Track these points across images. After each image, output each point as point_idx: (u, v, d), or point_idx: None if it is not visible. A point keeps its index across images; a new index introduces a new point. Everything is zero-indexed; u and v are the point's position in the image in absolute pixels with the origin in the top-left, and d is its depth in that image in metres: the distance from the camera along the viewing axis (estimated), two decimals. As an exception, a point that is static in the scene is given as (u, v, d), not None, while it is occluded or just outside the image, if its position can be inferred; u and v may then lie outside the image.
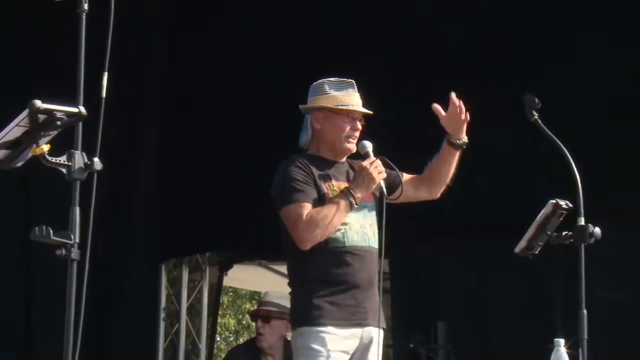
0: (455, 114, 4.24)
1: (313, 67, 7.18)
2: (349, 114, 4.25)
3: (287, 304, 6.80)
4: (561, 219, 4.12)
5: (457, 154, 4.32)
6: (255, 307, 6.87)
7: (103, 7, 2.89)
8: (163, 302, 8.12)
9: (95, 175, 2.90)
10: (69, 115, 2.78)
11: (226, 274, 8.61)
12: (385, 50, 6.96)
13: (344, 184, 4.20)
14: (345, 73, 4.39)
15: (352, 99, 4.27)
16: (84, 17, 2.80)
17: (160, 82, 8.11)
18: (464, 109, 4.23)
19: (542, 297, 6.21)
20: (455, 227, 6.48)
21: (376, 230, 4.25)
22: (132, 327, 7.97)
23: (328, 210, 4.10)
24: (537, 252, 4.19)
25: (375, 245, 4.23)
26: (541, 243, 4.16)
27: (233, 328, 18.28)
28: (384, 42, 7.02)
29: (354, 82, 4.31)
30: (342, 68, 4.56)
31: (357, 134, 4.26)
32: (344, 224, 4.14)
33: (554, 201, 4.09)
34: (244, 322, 17.49)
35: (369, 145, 4.24)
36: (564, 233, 4.06)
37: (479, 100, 4.49)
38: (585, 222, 3.97)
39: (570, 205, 4.08)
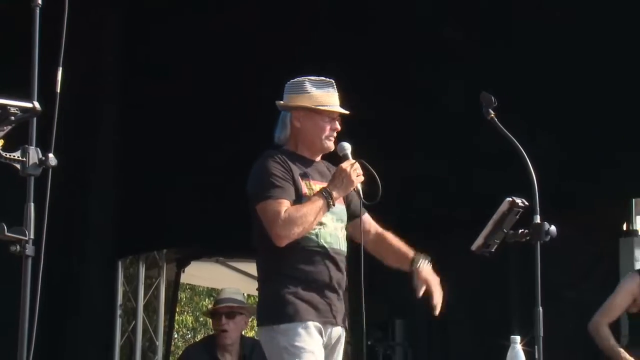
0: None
1: (276, 66, 7.21)
2: (329, 114, 4.24)
3: (243, 299, 6.82)
4: (517, 216, 4.13)
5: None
6: (212, 305, 6.83)
7: (58, 1, 2.87)
8: (120, 299, 8.09)
9: (50, 171, 2.87)
10: (23, 110, 2.75)
11: (183, 271, 8.59)
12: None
13: (320, 184, 4.19)
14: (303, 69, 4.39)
15: (332, 98, 4.26)
16: (38, 11, 2.78)
17: (118, 78, 8.07)
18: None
19: (499, 295, 6.24)
20: (414, 224, 6.50)
21: (344, 234, 4.25)
22: (89, 325, 7.91)
23: (307, 209, 4.09)
24: (493, 250, 4.21)
25: (345, 248, 4.24)
26: (498, 241, 4.17)
27: (190, 325, 18.23)
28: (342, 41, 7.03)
29: (333, 81, 4.30)
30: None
31: (335, 133, 4.26)
32: (320, 224, 4.14)
33: (510, 199, 4.11)
34: (202, 319, 17.45)
35: (347, 147, 4.23)
36: (520, 231, 4.07)
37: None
38: (541, 219, 3.99)
39: (526, 203, 4.10)
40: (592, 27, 6.04)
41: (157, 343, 8.27)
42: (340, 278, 4.19)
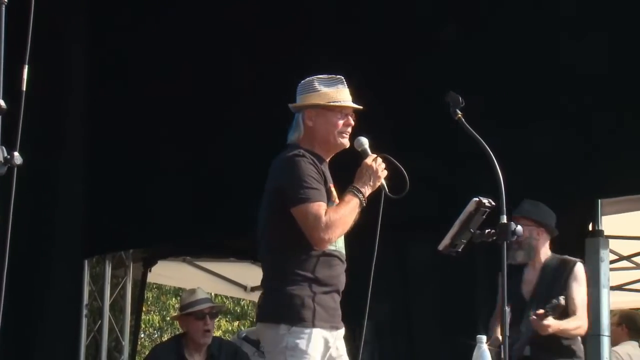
0: None
1: (250, 62, 7.21)
2: (341, 110, 4.24)
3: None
4: (484, 216, 4.15)
5: None
6: (182, 305, 6.80)
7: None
8: (85, 299, 8.04)
9: (16, 170, 2.85)
10: (-12, 108, 2.73)
11: (150, 270, 8.56)
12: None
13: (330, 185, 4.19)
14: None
15: (342, 94, 4.27)
16: (3, 8, 2.75)
17: (84, 77, 8.02)
18: None
19: (465, 294, 6.26)
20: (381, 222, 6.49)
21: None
22: (54, 324, 7.87)
23: (344, 209, 4.10)
24: (460, 250, 4.22)
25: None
26: (464, 240, 4.19)
27: (157, 324, 18.17)
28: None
29: (342, 78, 4.30)
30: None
31: (350, 129, 4.26)
32: None
33: (477, 199, 4.13)
34: (168, 318, 17.40)
35: (365, 142, 4.26)
36: (486, 231, 4.09)
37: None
38: (507, 220, 4.01)
39: (493, 203, 4.11)
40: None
41: (123, 343, 8.23)
42: (344, 281, 4.23)
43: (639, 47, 5.88)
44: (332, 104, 4.24)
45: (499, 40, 6.30)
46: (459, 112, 4.22)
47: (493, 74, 6.25)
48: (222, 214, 7.32)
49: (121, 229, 7.85)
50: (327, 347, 4.15)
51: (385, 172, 4.17)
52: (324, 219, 4.06)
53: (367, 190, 4.15)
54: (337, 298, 4.18)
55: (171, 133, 7.58)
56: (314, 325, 4.11)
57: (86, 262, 8.08)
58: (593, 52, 5.96)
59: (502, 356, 3.92)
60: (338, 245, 4.20)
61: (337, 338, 4.19)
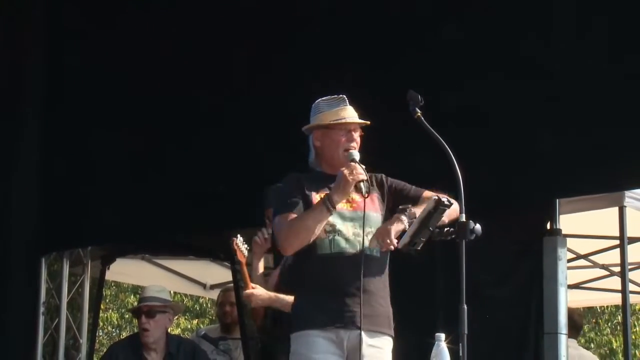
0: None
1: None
2: (343, 127, 4.46)
3: (167, 297, 6.80)
4: (443, 215, 4.16)
5: None
6: (136, 303, 6.79)
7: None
8: (43, 297, 7.98)
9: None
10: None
11: (109, 268, 8.51)
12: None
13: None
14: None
15: (344, 112, 4.49)
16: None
17: (42, 72, 7.97)
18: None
19: (424, 292, 6.27)
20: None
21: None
22: (11, 322, 7.81)
23: (306, 215, 4.32)
24: (419, 248, 4.23)
25: (373, 252, 4.36)
26: (424, 239, 4.21)
27: (116, 322, 18.07)
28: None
29: (344, 96, 4.52)
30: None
31: (355, 144, 4.46)
32: (334, 231, 4.33)
33: (436, 197, 4.14)
34: (127, 316, 17.31)
35: (352, 154, 4.41)
36: (445, 229, 4.11)
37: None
38: (466, 218, 4.02)
39: (452, 201, 4.13)
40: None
41: (81, 341, 8.18)
42: (360, 282, 4.28)
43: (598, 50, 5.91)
44: (333, 122, 4.47)
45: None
46: (418, 111, 4.25)
47: (457, 73, 6.27)
48: (181, 211, 7.29)
49: (78, 226, 7.80)
50: (338, 346, 4.27)
51: (358, 177, 4.29)
52: (284, 227, 4.34)
53: (337, 196, 4.28)
54: (346, 299, 4.27)
55: (129, 129, 7.54)
56: (308, 328, 4.30)
57: (43, 259, 8.01)
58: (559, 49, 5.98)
59: (461, 354, 3.94)
60: (339, 246, 4.34)
61: (352, 340, 4.27)
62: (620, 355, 16.41)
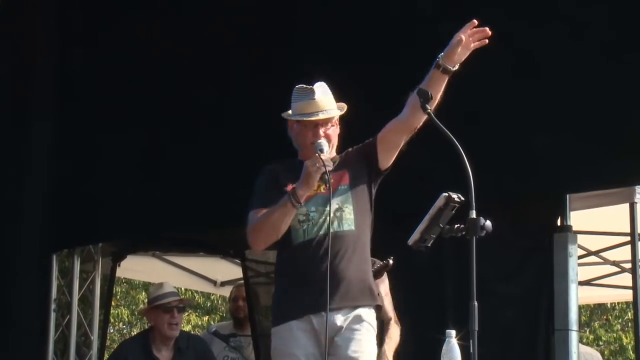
0: (467, 40, 4.26)
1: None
2: (307, 124, 4.42)
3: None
4: (453, 211, 4.16)
5: (446, 79, 4.33)
6: (150, 299, 6.79)
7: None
8: (54, 293, 8.00)
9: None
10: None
11: (119, 265, 8.53)
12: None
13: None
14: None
15: (310, 106, 4.42)
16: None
17: (52, 73, 7.98)
18: (488, 34, 4.26)
19: (434, 289, 6.27)
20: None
21: (344, 214, 4.37)
22: (23, 319, 7.83)
23: (270, 210, 4.31)
24: (429, 245, 4.23)
25: (344, 227, 4.36)
26: (434, 235, 4.20)
27: (126, 319, 18.12)
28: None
29: (314, 88, 4.45)
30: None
31: (322, 138, 4.41)
32: (307, 220, 4.32)
33: (447, 194, 4.14)
34: (137, 313, 17.35)
35: (322, 145, 4.38)
36: (456, 226, 4.10)
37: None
38: (476, 215, 4.02)
39: (462, 198, 4.12)
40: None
41: (92, 337, 8.20)
42: (336, 263, 4.27)
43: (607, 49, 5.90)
44: (295, 118, 4.45)
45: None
46: (428, 107, 4.24)
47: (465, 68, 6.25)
48: (192, 208, 7.30)
49: (89, 223, 7.81)
50: (310, 332, 4.26)
51: (322, 169, 4.25)
52: (250, 224, 4.37)
53: (301, 190, 4.27)
54: (322, 283, 4.20)
55: (139, 126, 7.55)
56: (285, 320, 4.31)
57: (54, 256, 8.04)
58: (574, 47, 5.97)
59: (471, 350, 3.94)
60: (311, 233, 4.32)
61: (335, 321, 4.25)
62: (630, 352, 16.39)
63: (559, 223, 6.06)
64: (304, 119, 4.42)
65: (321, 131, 4.42)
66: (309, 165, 4.26)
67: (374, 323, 4.42)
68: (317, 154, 4.30)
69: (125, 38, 7.68)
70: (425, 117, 4.28)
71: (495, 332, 5.46)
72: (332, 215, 4.31)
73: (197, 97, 7.29)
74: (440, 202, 4.15)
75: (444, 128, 4.16)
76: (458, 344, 3.96)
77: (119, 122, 7.62)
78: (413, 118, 4.35)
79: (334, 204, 4.34)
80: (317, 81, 4.54)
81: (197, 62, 7.34)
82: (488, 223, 4.03)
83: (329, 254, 4.24)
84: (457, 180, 4.04)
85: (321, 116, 4.42)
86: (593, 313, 17.73)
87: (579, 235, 6.20)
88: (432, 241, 4.21)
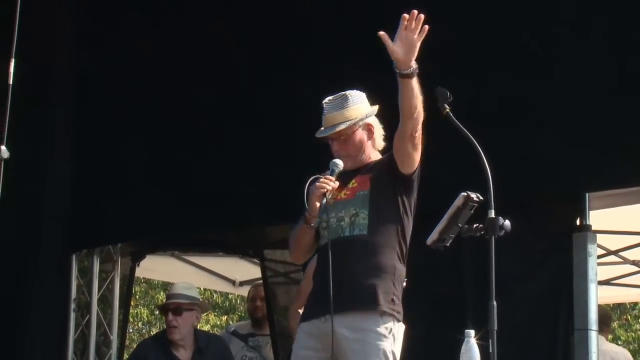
0: (404, 37, 4.19)
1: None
2: (322, 139, 4.57)
3: (195, 294, 6.82)
4: (472, 211, 4.16)
5: (413, 82, 4.25)
6: (164, 300, 6.82)
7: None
8: (74, 293, 8.03)
9: (3, 163, 2.85)
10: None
11: (138, 265, 8.54)
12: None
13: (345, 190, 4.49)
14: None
15: (324, 122, 4.53)
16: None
17: (74, 68, 8.01)
18: (418, 26, 4.17)
19: (453, 289, 6.26)
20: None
21: (358, 219, 4.41)
22: (42, 319, 7.85)
23: (292, 230, 4.61)
24: (448, 244, 4.23)
25: (354, 232, 4.40)
26: (453, 235, 4.20)
27: (146, 319, 18.15)
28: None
29: (326, 101, 4.53)
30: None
31: (338, 153, 4.51)
32: (326, 227, 4.41)
33: (465, 194, 4.13)
34: (157, 312, 17.38)
35: (332, 165, 4.47)
36: (474, 225, 4.10)
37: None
38: (495, 214, 4.02)
39: (481, 197, 4.12)
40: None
41: (112, 337, 8.22)
42: (344, 266, 4.30)
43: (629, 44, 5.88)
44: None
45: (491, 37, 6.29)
46: (447, 107, 4.23)
47: (483, 71, 6.25)
48: (211, 208, 7.31)
49: (109, 223, 7.83)
50: (315, 338, 4.31)
51: (320, 191, 4.37)
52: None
53: (307, 212, 4.42)
54: (332, 286, 4.22)
55: (160, 129, 7.57)
56: (303, 321, 4.45)
57: (74, 256, 8.06)
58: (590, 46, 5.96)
59: (490, 350, 3.93)
60: (327, 239, 4.38)
61: (338, 324, 4.25)
62: (650, 352, 16.33)
63: (578, 222, 6.05)
64: (318, 136, 4.55)
65: (334, 145, 4.52)
66: (314, 188, 4.39)
67: (378, 328, 4.32)
68: (324, 176, 4.42)
69: (133, 40, 7.70)
70: (418, 121, 4.30)
71: (514, 332, 5.46)
72: (347, 220, 4.40)
73: (219, 97, 7.30)
74: (459, 201, 4.15)
75: (463, 128, 4.15)
76: (477, 343, 3.96)
77: (139, 122, 7.63)
78: (402, 125, 4.35)
79: (351, 209, 4.41)
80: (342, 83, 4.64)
81: (217, 62, 7.34)
82: (507, 223, 4.03)
83: (330, 259, 4.28)
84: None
85: (321, 134, 4.53)
86: (612, 313, 17.66)
87: (598, 235, 6.18)
88: (450, 241, 4.21)
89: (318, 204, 4.38)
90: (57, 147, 8.00)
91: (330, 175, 4.42)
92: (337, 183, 4.41)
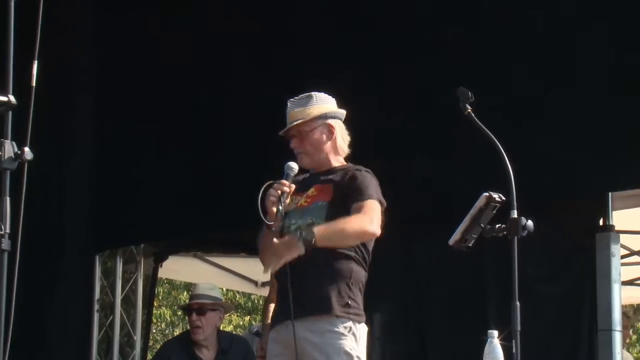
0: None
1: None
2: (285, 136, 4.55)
3: (218, 295, 6.83)
4: (494, 211, 4.15)
5: (325, 243, 4.28)
6: (187, 300, 6.84)
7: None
8: (97, 294, 8.06)
9: (26, 165, 2.86)
10: (-1, 104, 2.74)
11: (161, 266, 8.57)
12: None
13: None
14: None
15: (287, 119, 4.52)
16: (12, 4, 2.76)
17: (94, 71, 8.03)
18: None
19: (476, 289, 6.25)
20: (390, 219, 6.49)
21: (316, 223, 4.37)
22: (66, 319, 7.89)
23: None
24: (470, 245, 4.22)
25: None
26: (475, 235, 4.19)
27: (168, 319, 18.21)
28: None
29: (291, 100, 4.53)
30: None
31: (296, 151, 4.49)
32: (288, 233, 4.38)
33: (487, 194, 4.12)
34: (180, 313, 17.43)
35: (286, 168, 4.43)
36: (497, 225, 4.09)
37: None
38: (517, 214, 4.01)
39: (503, 198, 4.11)
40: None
41: (135, 337, 8.25)
42: (300, 273, 4.29)
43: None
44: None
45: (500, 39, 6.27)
46: (469, 107, 4.23)
47: (496, 71, 6.24)
48: (234, 208, 7.31)
49: (132, 223, 7.86)
50: (280, 344, 4.36)
51: (272, 198, 4.34)
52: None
53: (267, 218, 4.34)
54: (290, 293, 4.24)
55: (181, 128, 7.59)
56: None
57: (97, 257, 8.09)
58: (595, 45, 5.93)
59: (514, 351, 3.93)
60: None
61: (300, 328, 4.26)
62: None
63: (601, 223, 6.02)
64: (279, 134, 4.53)
65: (292, 145, 4.51)
66: (269, 194, 4.35)
67: (336, 328, 4.30)
68: (278, 182, 4.38)
69: (168, 35, 7.72)
70: (365, 238, 4.37)
71: (537, 333, 5.45)
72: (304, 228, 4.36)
73: (246, 95, 7.31)
74: (481, 202, 4.14)
75: (485, 129, 4.15)
76: (500, 344, 3.95)
77: (162, 123, 7.64)
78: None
79: (308, 219, 4.38)
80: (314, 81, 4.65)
81: (238, 61, 7.36)
82: (529, 223, 4.01)
83: (288, 266, 4.29)
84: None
85: (282, 132, 4.52)
86: (636, 313, 17.57)
87: (621, 235, 6.16)
88: (473, 241, 4.20)
89: (275, 209, 4.33)
90: (79, 148, 8.03)
91: (285, 179, 4.38)
92: (293, 186, 4.38)
